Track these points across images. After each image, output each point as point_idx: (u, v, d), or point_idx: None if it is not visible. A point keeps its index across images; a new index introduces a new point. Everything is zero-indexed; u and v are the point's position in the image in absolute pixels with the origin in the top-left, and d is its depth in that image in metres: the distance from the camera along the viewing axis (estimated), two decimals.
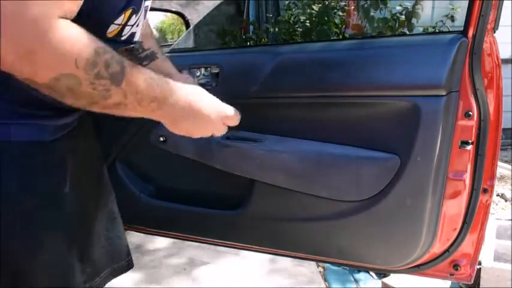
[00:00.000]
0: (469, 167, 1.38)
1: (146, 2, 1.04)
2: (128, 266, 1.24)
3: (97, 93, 0.80)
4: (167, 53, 1.86)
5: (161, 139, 1.66)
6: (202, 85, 1.62)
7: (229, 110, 1.10)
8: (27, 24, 0.70)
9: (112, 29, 0.96)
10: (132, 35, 1.04)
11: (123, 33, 1.00)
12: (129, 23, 0.99)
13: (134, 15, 0.99)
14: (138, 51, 1.06)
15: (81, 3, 0.79)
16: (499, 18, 1.33)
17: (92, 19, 0.85)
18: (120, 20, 0.96)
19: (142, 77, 0.86)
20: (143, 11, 1.04)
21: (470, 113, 1.34)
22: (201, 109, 1.00)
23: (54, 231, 0.98)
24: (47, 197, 0.96)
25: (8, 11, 0.68)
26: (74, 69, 0.75)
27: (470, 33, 1.32)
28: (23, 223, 0.92)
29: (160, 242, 2.84)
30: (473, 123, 1.35)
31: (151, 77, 0.88)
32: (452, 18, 3.63)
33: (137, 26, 1.04)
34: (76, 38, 0.74)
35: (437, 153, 1.35)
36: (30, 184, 0.93)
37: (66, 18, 0.75)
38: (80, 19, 0.78)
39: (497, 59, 1.35)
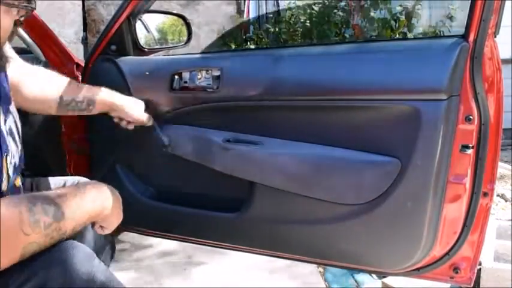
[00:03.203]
0: (469, 171, 1.38)
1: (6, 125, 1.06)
2: None
3: (57, 236, 0.89)
4: (168, 55, 1.86)
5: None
6: (203, 88, 1.64)
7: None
8: None
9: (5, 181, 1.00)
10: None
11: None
12: (9, 169, 1.04)
13: (8, 157, 1.05)
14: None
15: None
16: (500, 23, 1.33)
17: None
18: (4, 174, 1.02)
19: (69, 196, 0.94)
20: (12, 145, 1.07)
21: (471, 117, 1.35)
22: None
23: None
24: None
25: None
26: (28, 238, 0.83)
27: (471, 37, 1.32)
28: None
29: (160, 242, 2.84)
30: (473, 127, 1.35)
31: (71, 191, 0.97)
32: (451, 18, 3.63)
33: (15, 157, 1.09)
34: (5, 215, 0.80)
35: (437, 156, 1.35)
36: None
37: None
38: None
39: (498, 63, 1.35)
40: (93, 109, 1.53)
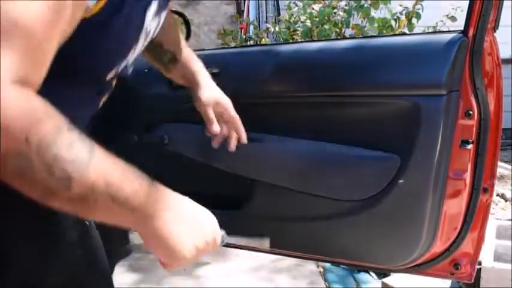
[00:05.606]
0: (470, 166, 1.38)
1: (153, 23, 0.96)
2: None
3: (55, 182, 0.64)
4: None
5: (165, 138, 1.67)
6: None
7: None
8: None
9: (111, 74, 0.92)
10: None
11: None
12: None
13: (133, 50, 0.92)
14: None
15: (45, 70, 0.66)
16: (499, 18, 1.34)
17: (90, 73, 0.85)
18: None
19: (115, 166, 0.74)
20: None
21: (471, 112, 1.35)
22: (195, 211, 0.88)
23: None
24: None
25: None
26: (24, 147, 0.60)
27: (471, 32, 1.32)
28: None
29: None
30: (473, 122, 1.35)
31: (126, 168, 0.76)
32: (452, 18, 3.62)
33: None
34: (30, 111, 0.61)
35: (437, 152, 1.35)
36: None
37: (26, 86, 0.62)
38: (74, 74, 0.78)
39: (498, 58, 1.35)
40: (173, 70, 1.36)
